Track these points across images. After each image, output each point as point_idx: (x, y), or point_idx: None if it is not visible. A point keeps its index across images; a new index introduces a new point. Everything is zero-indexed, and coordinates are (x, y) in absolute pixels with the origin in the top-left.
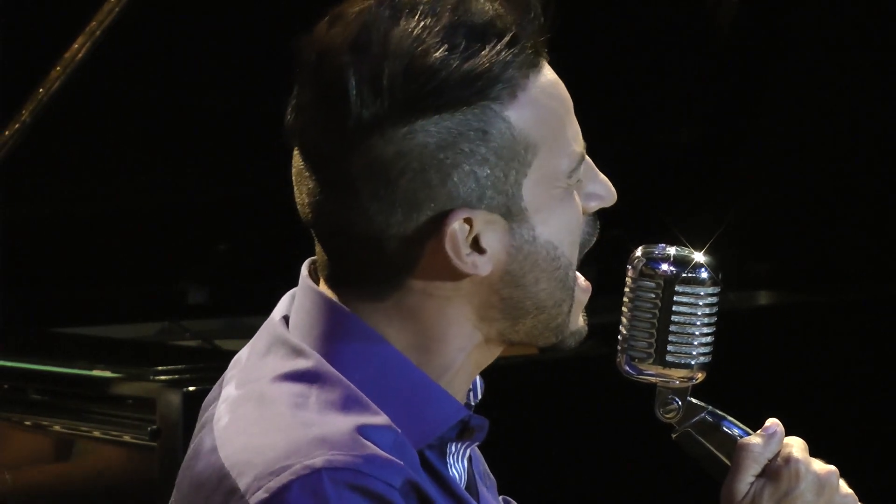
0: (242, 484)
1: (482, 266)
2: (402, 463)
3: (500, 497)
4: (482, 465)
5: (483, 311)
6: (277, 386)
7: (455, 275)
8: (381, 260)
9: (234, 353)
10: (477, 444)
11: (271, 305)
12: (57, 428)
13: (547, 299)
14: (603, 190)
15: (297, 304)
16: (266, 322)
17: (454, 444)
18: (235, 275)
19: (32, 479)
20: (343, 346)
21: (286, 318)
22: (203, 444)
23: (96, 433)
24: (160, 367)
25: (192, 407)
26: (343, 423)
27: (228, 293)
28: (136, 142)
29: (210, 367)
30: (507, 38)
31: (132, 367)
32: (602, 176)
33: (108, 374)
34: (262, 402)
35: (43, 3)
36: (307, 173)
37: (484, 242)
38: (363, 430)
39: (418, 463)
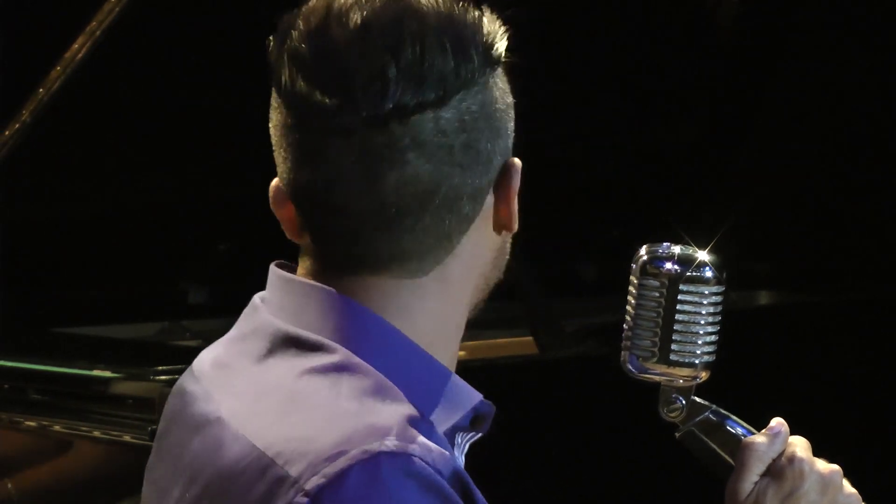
0: (294, 471)
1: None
2: (448, 453)
3: None
4: None
5: (490, 272)
6: (306, 380)
7: (497, 233)
8: (437, 230)
9: None
10: (481, 434)
11: None
12: (57, 428)
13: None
14: None
15: (295, 302)
16: (245, 325)
17: (461, 435)
18: (235, 275)
19: (32, 479)
20: (361, 339)
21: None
22: (222, 438)
23: (96, 433)
24: (160, 367)
25: None
26: (388, 412)
27: (228, 293)
28: (136, 142)
29: None
30: (481, 7)
31: (132, 367)
32: None
33: (108, 374)
34: (294, 396)
35: (43, 3)
36: (328, 156)
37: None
38: (411, 421)
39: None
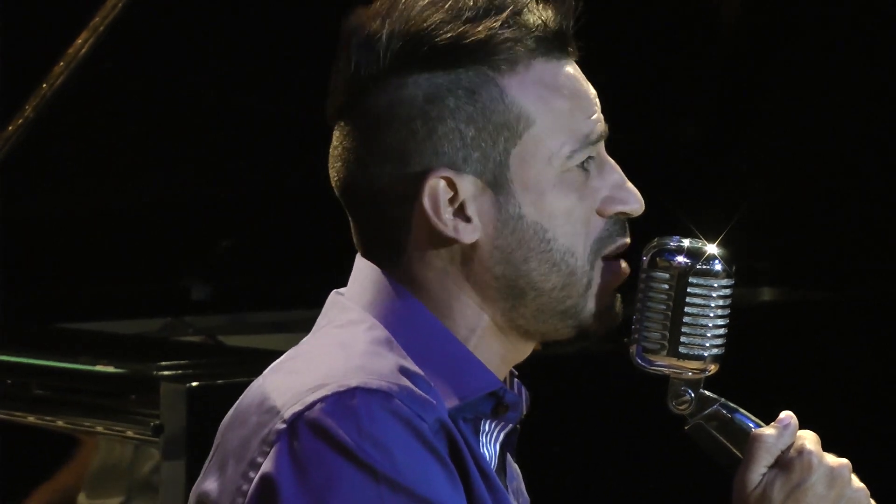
0: (280, 402)
1: (464, 232)
2: (434, 403)
3: None
4: (518, 482)
5: (481, 290)
6: (328, 334)
7: (443, 240)
8: (383, 220)
9: (237, 348)
10: (511, 426)
11: (274, 301)
12: (60, 423)
13: (541, 281)
14: (625, 196)
15: (352, 276)
16: None
17: (488, 423)
18: (238, 271)
19: (35, 475)
20: (388, 311)
21: (342, 293)
22: (251, 386)
23: (99, 428)
24: (163, 363)
25: (196, 402)
26: (384, 361)
27: (231, 289)
28: (140, 139)
29: (213, 362)
30: (515, 17)
31: (136, 362)
32: (629, 184)
33: (111, 369)
34: (311, 344)
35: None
36: (334, 141)
37: (470, 210)
38: (403, 370)
39: (450, 420)
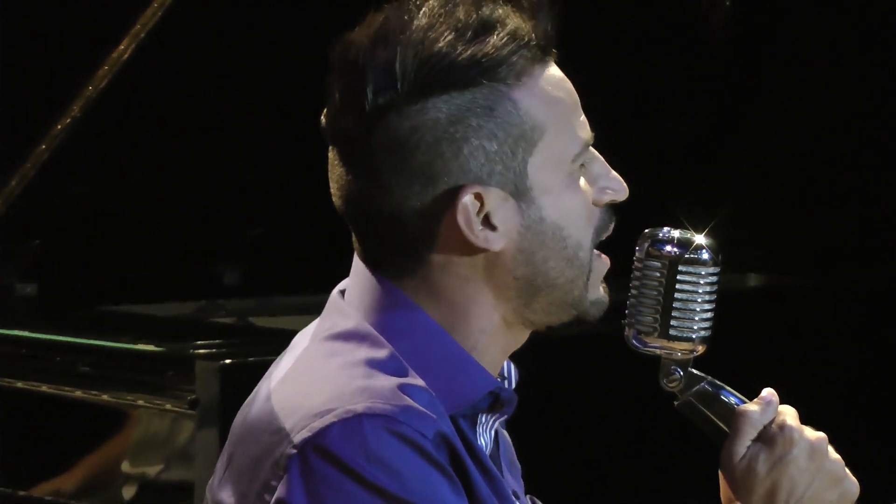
0: (289, 424)
1: (493, 241)
2: (435, 416)
3: (528, 496)
4: (510, 453)
5: (499, 292)
6: (329, 343)
7: (470, 250)
8: (403, 236)
9: (266, 328)
10: (506, 417)
11: (299, 286)
12: (105, 397)
13: (557, 277)
14: (615, 185)
15: (351, 281)
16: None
17: (484, 416)
18: (267, 258)
19: (83, 444)
20: (388, 317)
21: (342, 292)
22: (259, 393)
23: (140, 402)
24: (199, 342)
25: (228, 378)
26: (385, 378)
27: (259, 275)
28: (179, 135)
29: (244, 341)
30: (510, 31)
31: (173, 342)
32: (614, 172)
33: (151, 348)
34: (315, 356)
35: (94, 8)
36: (336, 162)
37: (495, 220)
38: (403, 387)
39: (451, 424)
